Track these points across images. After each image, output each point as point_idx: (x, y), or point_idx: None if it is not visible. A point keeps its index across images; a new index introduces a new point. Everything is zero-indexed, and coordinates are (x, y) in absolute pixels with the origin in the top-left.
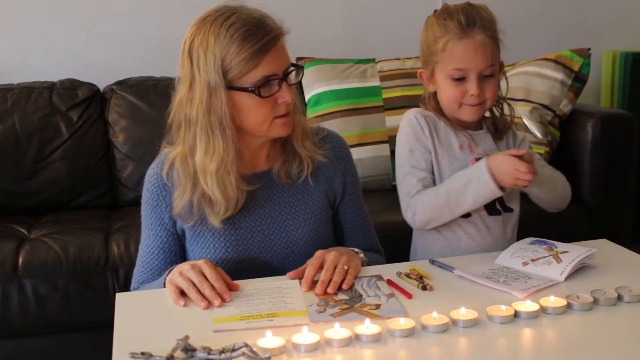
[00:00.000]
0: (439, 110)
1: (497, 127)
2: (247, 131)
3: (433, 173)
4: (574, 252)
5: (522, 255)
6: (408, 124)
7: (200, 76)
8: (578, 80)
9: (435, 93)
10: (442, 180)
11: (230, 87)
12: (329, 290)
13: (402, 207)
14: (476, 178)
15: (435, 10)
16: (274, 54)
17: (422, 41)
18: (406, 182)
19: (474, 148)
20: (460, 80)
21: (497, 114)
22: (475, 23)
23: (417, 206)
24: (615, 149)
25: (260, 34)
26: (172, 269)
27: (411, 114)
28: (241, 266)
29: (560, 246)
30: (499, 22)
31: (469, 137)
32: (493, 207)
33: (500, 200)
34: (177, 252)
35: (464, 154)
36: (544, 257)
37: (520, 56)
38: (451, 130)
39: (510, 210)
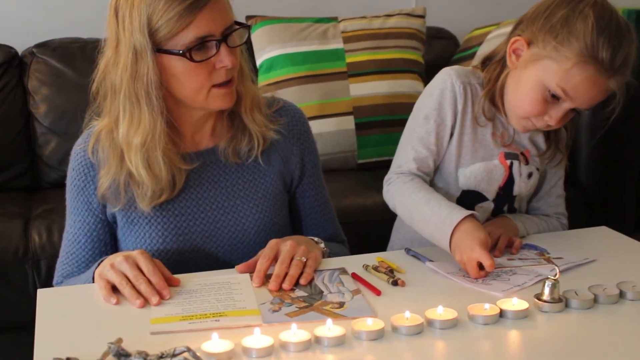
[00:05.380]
0: (490, 83)
1: (556, 145)
2: (183, 102)
3: (445, 153)
4: (570, 257)
5: (507, 254)
6: (439, 85)
7: (125, 37)
8: None
9: (504, 61)
10: (459, 164)
11: (159, 49)
12: (285, 285)
13: (387, 174)
14: (440, 223)
15: (599, 0)
16: (209, 11)
17: (557, 15)
18: (403, 152)
19: (506, 140)
20: (553, 97)
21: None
22: (622, 69)
23: (394, 189)
24: (617, 123)
25: None
26: (102, 261)
27: (450, 75)
28: (182, 258)
29: (554, 252)
30: None
31: (505, 124)
32: (500, 211)
33: (511, 203)
34: (107, 242)
35: (494, 142)
36: (533, 259)
37: (506, 13)
38: (487, 115)
39: (514, 211)
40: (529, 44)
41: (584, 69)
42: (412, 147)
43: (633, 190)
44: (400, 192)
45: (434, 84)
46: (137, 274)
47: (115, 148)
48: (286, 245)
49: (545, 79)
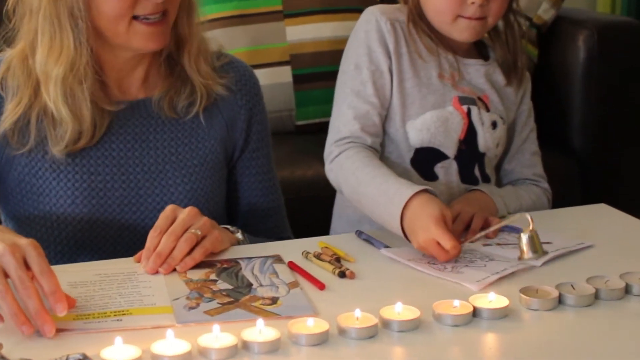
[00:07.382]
0: (420, 17)
1: (515, 64)
2: (104, 34)
3: (388, 107)
4: (560, 242)
5: (482, 239)
6: (363, 27)
7: None
8: None
9: None
10: (406, 117)
11: None
12: (162, 269)
13: (326, 146)
14: (388, 203)
15: None
16: None
17: None
18: (339, 113)
19: (458, 81)
20: None
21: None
22: None
23: (337, 167)
24: (617, 72)
25: None
26: None
27: (373, 13)
28: (93, 227)
29: (541, 235)
30: None
31: (453, 63)
32: (470, 174)
33: (481, 165)
34: None
35: (443, 85)
36: (515, 244)
37: None
38: (428, 50)
39: (489, 180)
40: None
41: None
42: (348, 105)
43: (637, 158)
44: (344, 169)
45: (358, 28)
46: (25, 277)
47: (30, 77)
48: (184, 213)
49: None
